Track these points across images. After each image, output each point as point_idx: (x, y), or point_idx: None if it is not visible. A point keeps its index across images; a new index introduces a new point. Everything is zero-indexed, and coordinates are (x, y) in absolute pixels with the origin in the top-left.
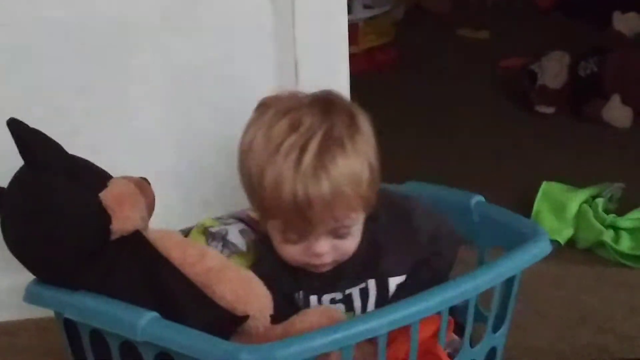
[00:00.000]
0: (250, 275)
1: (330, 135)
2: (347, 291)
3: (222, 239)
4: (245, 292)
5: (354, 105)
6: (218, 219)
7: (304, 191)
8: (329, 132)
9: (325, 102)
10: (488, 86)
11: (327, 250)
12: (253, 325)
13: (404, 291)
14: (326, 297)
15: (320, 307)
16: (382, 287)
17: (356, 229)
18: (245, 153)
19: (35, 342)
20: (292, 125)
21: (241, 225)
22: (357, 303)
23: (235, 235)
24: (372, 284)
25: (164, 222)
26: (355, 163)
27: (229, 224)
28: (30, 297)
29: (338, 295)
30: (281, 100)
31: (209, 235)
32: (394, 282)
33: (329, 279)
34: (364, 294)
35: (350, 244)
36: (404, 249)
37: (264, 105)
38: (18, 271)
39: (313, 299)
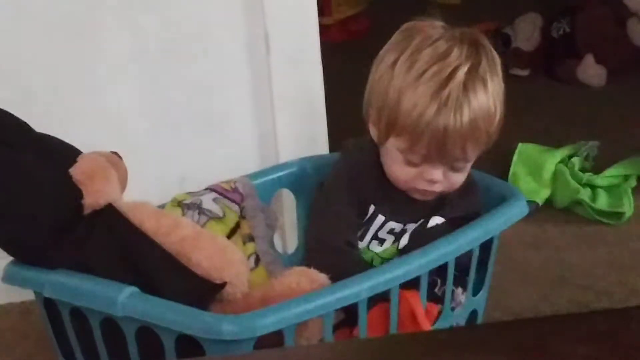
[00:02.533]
0: (226, 242)
1: (476, 70)
2: (407, 226)
3: (197, 208)
4: (221, 259)
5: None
6: (191, 193)
7: (444, 120)
8: (475, 66)
9: (473, 39)
10: None
11: (441, 179)
12: (231, 291)
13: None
14: (390, 224)
15: (298, 268)
16: (425, 223)
17: (469, 165)
18: (384, 72)
19: (17, 325)
20: (440, 55)
21: (213, 194)
22: (405, 238)
23: (209, 203)
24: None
25: (140, 199)
26: (491, 101)
27: (202, 195)
28: (9, 277)
29: (398, 227)
30: (430, 28)
31: (184, 206)
32: (434, 221)
33: (402, 208)
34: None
35: (461, 178)
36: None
37: (410, 30)
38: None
39: (380, 219)
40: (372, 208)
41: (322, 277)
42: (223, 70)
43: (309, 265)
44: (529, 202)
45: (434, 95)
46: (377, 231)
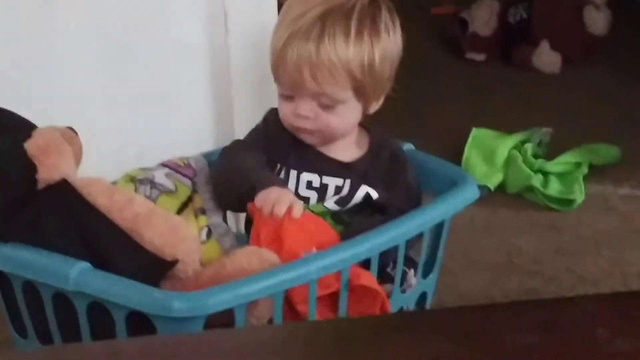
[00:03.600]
0: (178, 219)
1: (347, 15)
2: (325, 180)
3: (149, 183)
4: (173, 236)
5: (391, 10)
6: (143, 169)
7: (294, 47)
8: (348, 13)
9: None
10: (419, 33)
11: (308, 114)
12: (182, 269)
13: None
14: (305, 176)
15: (250, 248)
16: (352, 190)
17: (343, 109)
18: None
19: None
20: None
21: (166, 170)
22: (330, 194)
23: (162, 178)
24: (347, 184)
25: (96, 175)
26: (353, 47)
27: (154, 170)
28: None
29: (315, 179)
30: None
31: (137, 182)
32: (364, 190)
33: (313, 160)
34: (338, 191)
35: (334, 120)
36: (386, 184)
37: None
38: None
39: (293, 173)
40: (278, 166)
41: (273, 257)
42: (182, 47)
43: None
44: (481, 187)
45: (290, 24)
46: (296, 189)
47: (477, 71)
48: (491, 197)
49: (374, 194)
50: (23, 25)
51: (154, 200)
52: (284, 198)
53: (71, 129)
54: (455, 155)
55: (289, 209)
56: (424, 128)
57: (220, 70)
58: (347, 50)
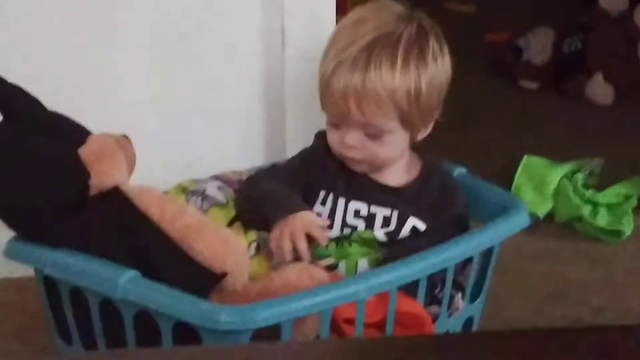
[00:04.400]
0: (228, 232)
1: (396, 42)
2: (373, 209)
3: (201, 194)
4: (223, 248)
5: (439, 37)
6: (195, 180)
7: (340, 76)
8: (397, 39)
9: (422, 23)
10: (474, 60)
11: (355, 144)
12: (231, 282)
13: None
14: (353, 205)
15: (300, 265)
16: (400, 223)
17: (390, 139)
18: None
19: (14, 300)
20: (358, 22)
21: (218, 183)
22: (378, 225)
23: (213, 190)
24: (395, 215)
25: (146, 184)
26: (399, 76)
27: (206, 182)
28: (11, 252)
29: (363, 208)
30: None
31: (188, 193)
32: (411, 223)
33: (361, 186)
34: (386, 222)
35: (381, 150)
36: (433, 217)
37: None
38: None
39: (341, 201)
40: (322, 193)
41: (323, 275)
42: (237, 59)
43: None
44: (530, 215)
45: (338, 53)
46: (344, 217)
47: (530, 99)
48: (540, 225)
49: (421, 226)
50: (80, 33)
51: (205, 212)
52: (297, 234)
53: (125, 136)
54: (506, 182)
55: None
56: (475, 154)
57: (275, 84)
58: (393, 80)
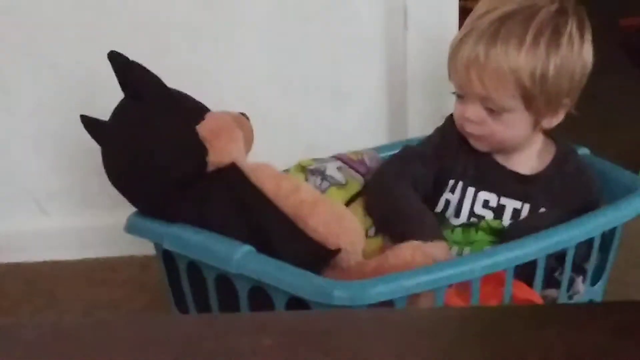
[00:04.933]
0: (343, 209)
1: (523, 20)
2: (503, 201)
3: (320, 174)
4: (338, 225)
5: (582, 22)
6: (316, 159)
7: (465, 47)
8: (526, 16)
9: (566, 7)
10: (606, 44)
11: (474, 118)
12: (345, 258)
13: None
14: (482, 195)
15: (414, 242)
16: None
17: (510, 118)
18: None
19: (135, 277)
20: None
21: (339, 163)
22: (507, 217)
23: (333, 170)
24: (526, 208)
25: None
26: (526, 55)
27: (327, 162)
28: (131, 227)
29: (493, 199)
30: None
31: (308, 172)
32: None
33: (491, 174)
34: (516, 214)
35: (500, 128)
36: (567, 205)
37: None
38: (122, 208)
39: (470, 191)
40: (451, 182)
41: (437, 253)
42: (359, 41)
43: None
44: None
45: (470, 22)
46: (472, 207)
47: None
48: None
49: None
50: (205, 10)
51: (324, 192)
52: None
53: (243, 114)
54: (636, 164)
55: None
56: (605, 138)
57: (397, 66)
58: (517, 58)
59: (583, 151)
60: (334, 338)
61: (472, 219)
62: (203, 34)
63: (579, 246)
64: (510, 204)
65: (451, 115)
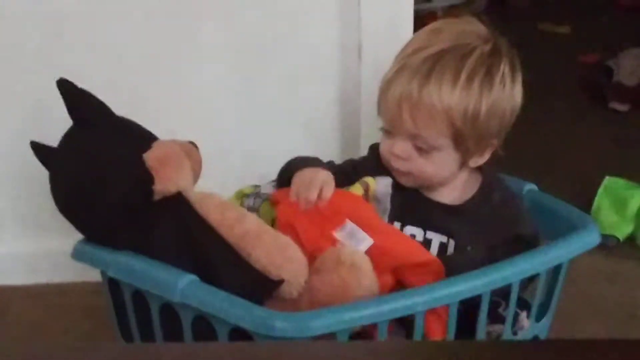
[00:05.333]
0: (287, 240)
1: (462, 61)
2: (429, 235)
3: (255, 194)
4: (281, 256)
5: (514, 64)
6: (256, 186)
7: (398, 84)
8: (460, 55)
9: (499, 47)
10: (566, 80)
11: (402, 154)
12: (287, 290)
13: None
14: (408, 229)
15: (331, 257)
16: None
17: (438, 156)
18: None
19: (86, 303)
20: (434, 31)
21: (274, 183)
22: (434, 252)
23: (267, 188)
24: (452, 244)
25: (219, 191)
26: (459, 93)
27: (264, 185)
28: (77, 254)
29: (419, 233)
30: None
31: (244, 197)
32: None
33: (416, 206)
34: (442, 249)
35: (427, 166)
36: (493, 236)
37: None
38: (74, 234)
39: (397, 225)
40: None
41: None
42: (314, 72)
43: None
44: (610, 236)
45: (403, 58)
46: None
47: (620, 121)
48: (619, 247)
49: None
50: (158, 38)
51: (257, 209)
52: (315, 182)
53: (192, 143)
54: (587, 202)
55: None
56: (559, 173)
57: (351, 97)
58: (451, 96)
59: (530, 187)
60: None
61: None
62: (158, 63)
63: (524, 282)
64: (437, 238)
65: (374, 145)
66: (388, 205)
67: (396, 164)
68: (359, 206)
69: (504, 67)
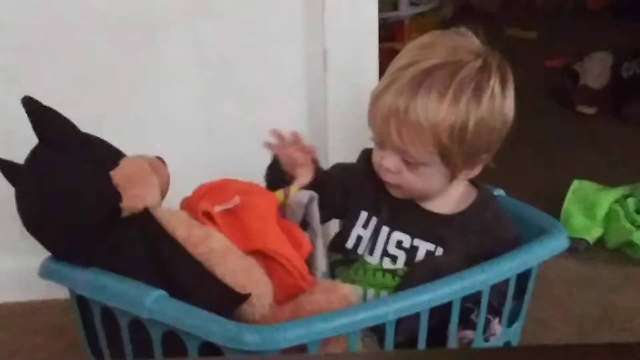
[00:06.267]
0: (252, 262)
1: (445, 75)
2: (416, 242)
3: None
4: (245, 277)
5: (505, 79)
6: None
7: (386, 97)
8: (449, 71)
9: (490, 62)
10: (533, 85)
11: (391, 168)
12: (250, 311)
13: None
14: (396, 235)
15: (326, 283)
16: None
17: (427, 171)
18: None
19: (56, 321)
20: (425, 45)
21: None
22: (420, 258)
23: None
24: (440, 252)
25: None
26: (446, 110)
27: None
28: (44, 272)
29: (406, 240)
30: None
31: None
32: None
33: (407, 213)
34: (429, 255)
35: (416, 180)
36: (480, 250)
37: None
38: (43, 252)
39: (384, 230)
40: (364, 215)
41: (351, 293)
42: (280, 84)
43: None
44: (580, 240)
45: (394, 72)
46: (385, 246)
47: (587, 124)
48: (589, 251)
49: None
50: (124, 55)
51: None
52: None
53: (159, 158)
54: (557, 206)
55: None
56: (526, 177)
57: (317, 108)
58: (437, 113)
59: (498, 192)
60: None
61: (385, 259)
62: (124, 79)
63: (495, 287)
64: (424, 246)
65: (366, 150)
66: (299, 218)
67: (386, 177)
68: (264, 198)
69: (494, 83)
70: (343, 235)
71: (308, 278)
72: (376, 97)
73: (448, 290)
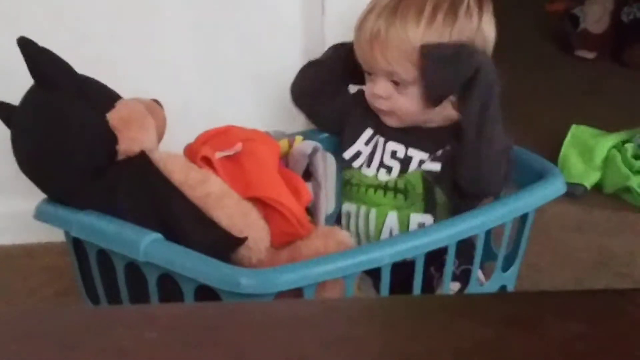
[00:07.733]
0: (249, 206)
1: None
2: (410, 152)
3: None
4: (242, 221)
5: (484, 6)
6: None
7: (369, 23)
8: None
9: None
10: (533, 29)
11: (382, 94)
12: (247, 255)
13: None
14: (390, 145)
15: (325, 229)
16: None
17: (415, 92)
18: None
19: (52, 264)
20: None
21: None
22: (413, 169)
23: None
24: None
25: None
26: (423, 30)
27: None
28: (40, 214)
29: (401, 150)
30: None
31: None
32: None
33: (402, 130)
34: (421, 164)
35: (406, 102)
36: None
37: None
38: (39, 194)
39: (380, 141)
40: (369, 132)
41: (348, 238)
42: (277, 26)
43: None
44: (577, 185)
45: (372, 1)
46: (382, 157)
47: (586, 69)
48: (587, 196)
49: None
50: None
51: None
52: None
53: (156, 101)
54: (554, 152)
55: None
56: (525, 122)
57: (315, 51)
58: (415, 31)
59: None
60: (223, 331)
61: (381, 170)
62: (116, 20)
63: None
64: (418, 156)
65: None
66: (302, 168)
67: (379, 104)
68: (267, 146)
69: (470, 0)
70: (342, 149)
71: (307, 226)
72: (359, 26)
73: (445, 234)
